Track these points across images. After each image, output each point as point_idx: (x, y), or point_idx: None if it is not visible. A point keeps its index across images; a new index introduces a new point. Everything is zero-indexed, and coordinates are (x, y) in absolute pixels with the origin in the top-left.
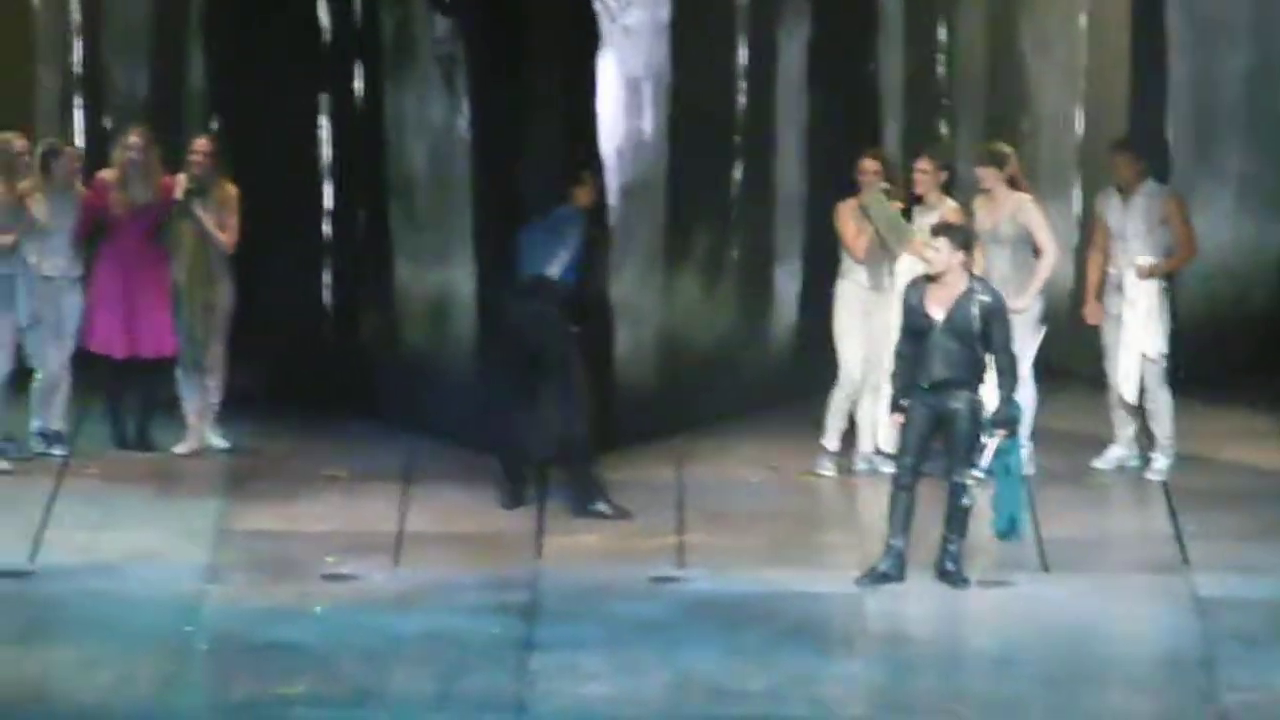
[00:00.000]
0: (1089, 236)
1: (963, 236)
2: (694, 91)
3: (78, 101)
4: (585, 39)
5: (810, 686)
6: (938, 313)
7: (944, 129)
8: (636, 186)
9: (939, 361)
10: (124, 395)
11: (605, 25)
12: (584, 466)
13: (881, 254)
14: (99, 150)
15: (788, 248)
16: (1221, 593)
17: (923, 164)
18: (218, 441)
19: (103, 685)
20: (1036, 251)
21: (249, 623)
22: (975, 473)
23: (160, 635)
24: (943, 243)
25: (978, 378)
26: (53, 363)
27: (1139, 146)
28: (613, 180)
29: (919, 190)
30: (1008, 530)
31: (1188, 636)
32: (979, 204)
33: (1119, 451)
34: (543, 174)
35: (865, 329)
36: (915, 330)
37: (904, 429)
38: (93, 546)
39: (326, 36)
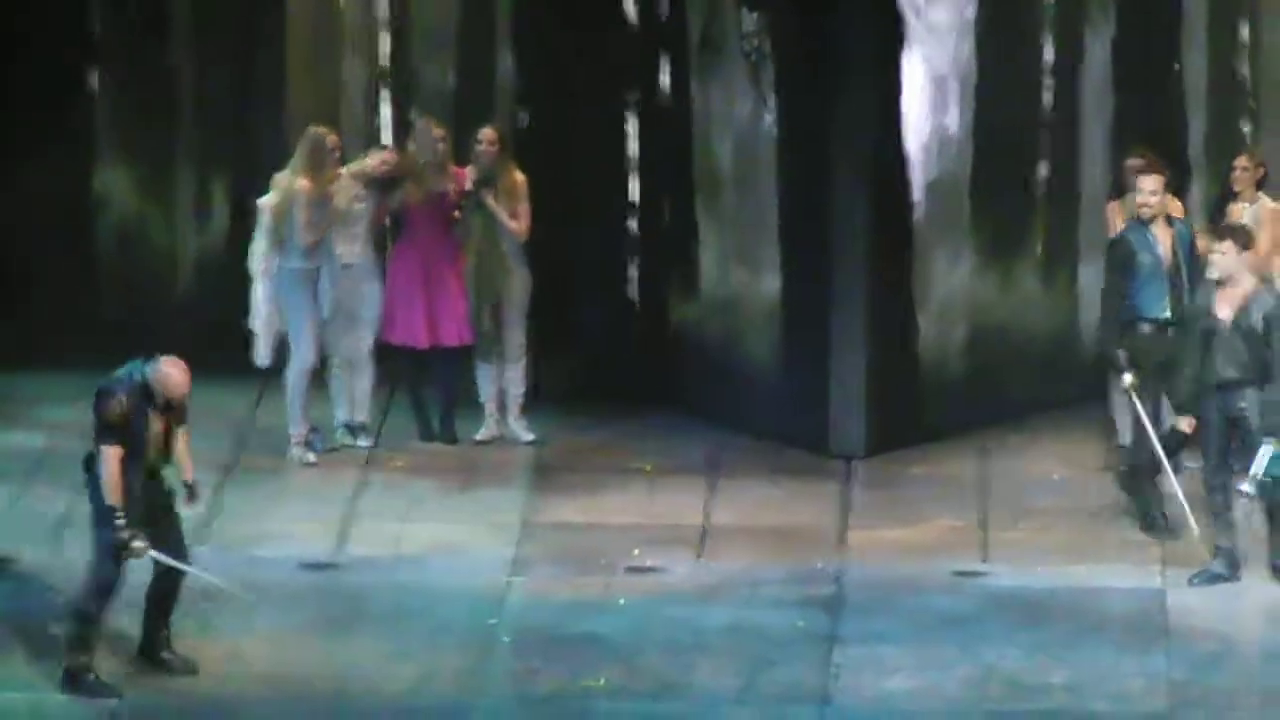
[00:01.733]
0: None
1: (1246, 237)
2: (999, 89)
3: (384, 96)
4: (891, 36)
5: (1112, 682)
6: (1225, 313)
7: (1247, 129)
8: (942, 183)
9: (1229, 362)
10: (426, 386)
11: (911, 22)
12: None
13: None
14: (404, 144)
15: (1092, 245)
16: None
17: (1242, 161)
18: (523, 434)
19: (408, 678)
20: None
21: (553, 615)
22: (1246, 486)
23: (464, 628)
24: (1228, 245)
25: (1266, 379)
26: (351, 351)
27: None
28: (918, 177)
29: (1236, 187)
30: None
31: None
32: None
33: None
34: (849, 172)
35: None
36: (1204, 331)
37: (1202, 433)
38: (398, 539)
39: (633, 30)
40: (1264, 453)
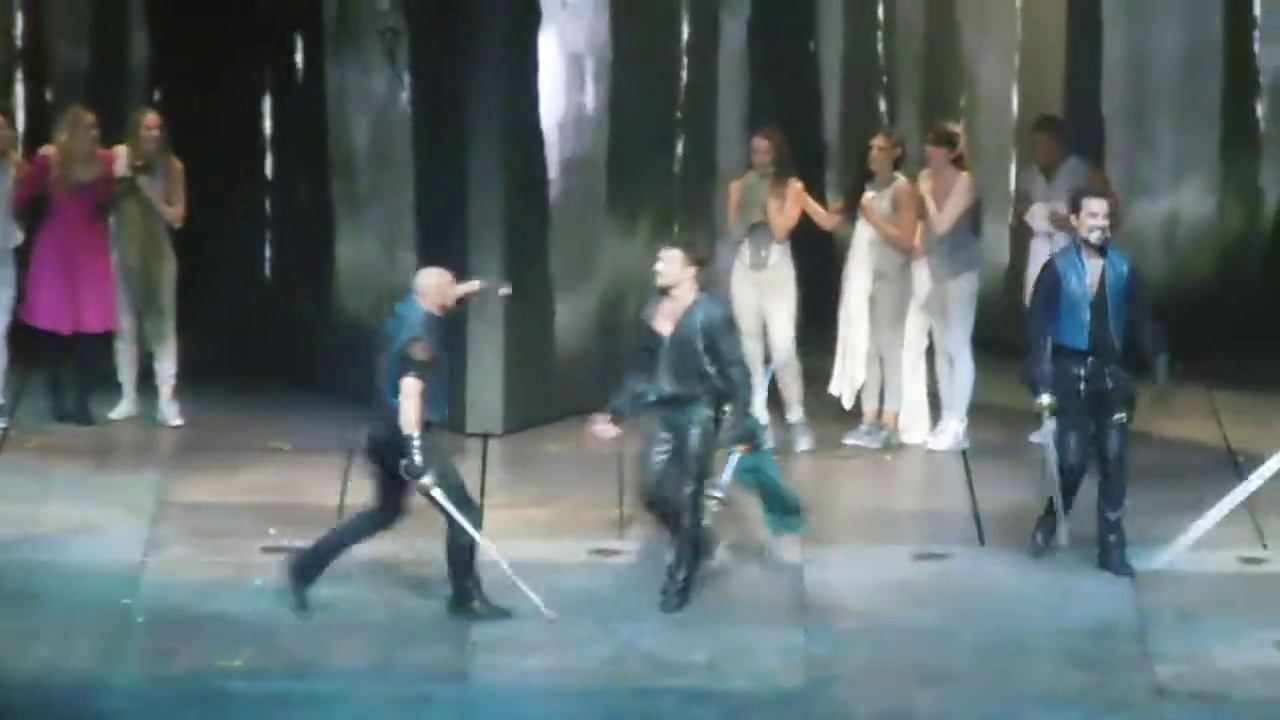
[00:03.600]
0: (1017, 215)
1: (697, 252)
2: (635, 68)
3: (19, 76)
4: (527, 14)
5: (751, 659)
6: (665, 327)
7: (883, 107)
8: (578, 161)
9: (666, 376)
10: (63, 368)
11: (546, 1)
12: None
13: (763, 232)
14: (40, 126)
15: (727, 223)
16: (1157, 565)
17: (879, 141)
18: (173, 418)
19: (41, 657)
20: (977, 229)
21: (189, 595)
22: (715, 492)
23: (99, 608)
24: (674, 254)
25: (709, 393)
26: None
27: (1069, 124)
28: (554, 155)
29: (873, 166)
30: (785, 529)
31: (1122, 608)
32: (922, 181)
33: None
34: (485, 150)
35: (757, 307)
36: (645, 345)
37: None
38: (32, 519)
39: (268, 9)
40: (731, 462)
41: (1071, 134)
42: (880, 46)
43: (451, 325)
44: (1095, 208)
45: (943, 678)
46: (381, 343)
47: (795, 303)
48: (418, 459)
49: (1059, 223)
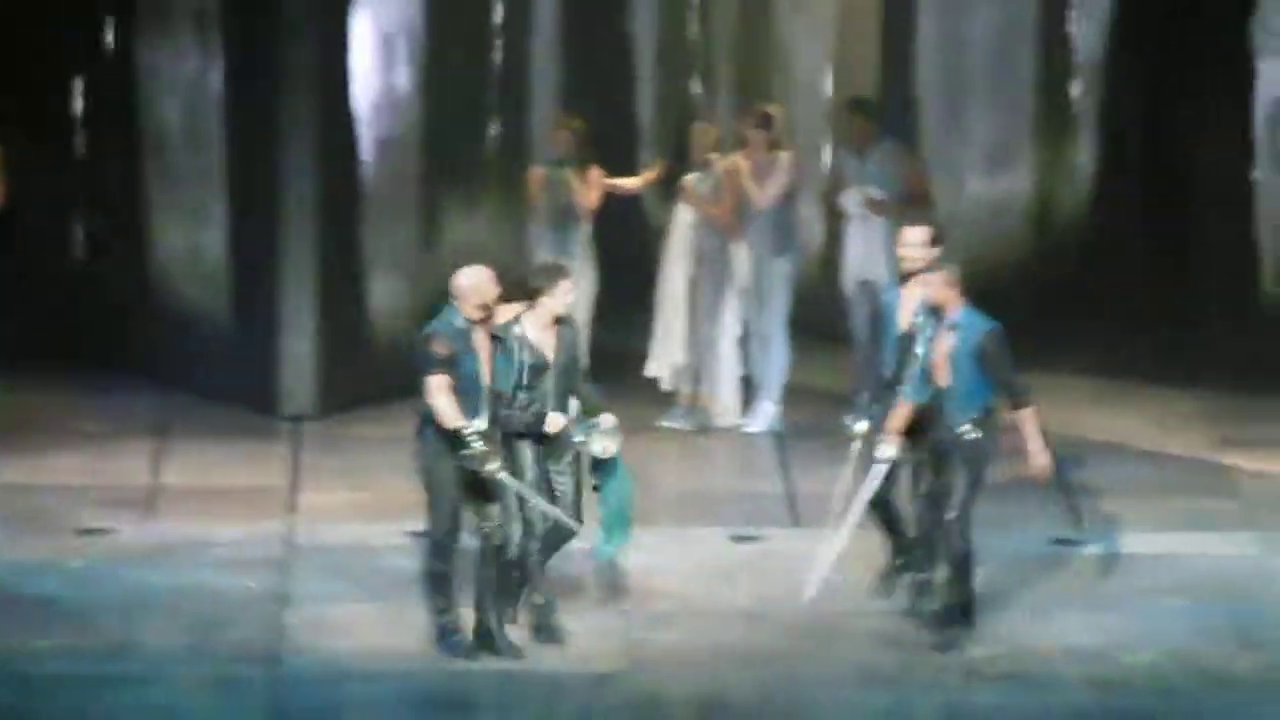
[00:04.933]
0: (831, 198)
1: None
2: (448, 48)
3: None
4: None
5: (570, 642)
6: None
7: (697, 89)
8: (391, 142)
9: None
10: None
11: None
12: None
13: (568, 219)
14: None
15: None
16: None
17: (697, 124)
18: None
19: None
20: (795, 210)
21: (2, 577)
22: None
23: None
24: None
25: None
26: None
27: (883, 106)
28: (367, 135)
29: (692, 149)
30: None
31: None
32: (740, 163)
33: None
34: (297, 131)
35: None
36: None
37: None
38: None
39: None
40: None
41: (885, 116)
42: (695, 28)
43: (264, 308)
44: (906, 238)
45: (758, 659)
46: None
47: (595, 290)
48: (478, 447)
49: (872, 207)
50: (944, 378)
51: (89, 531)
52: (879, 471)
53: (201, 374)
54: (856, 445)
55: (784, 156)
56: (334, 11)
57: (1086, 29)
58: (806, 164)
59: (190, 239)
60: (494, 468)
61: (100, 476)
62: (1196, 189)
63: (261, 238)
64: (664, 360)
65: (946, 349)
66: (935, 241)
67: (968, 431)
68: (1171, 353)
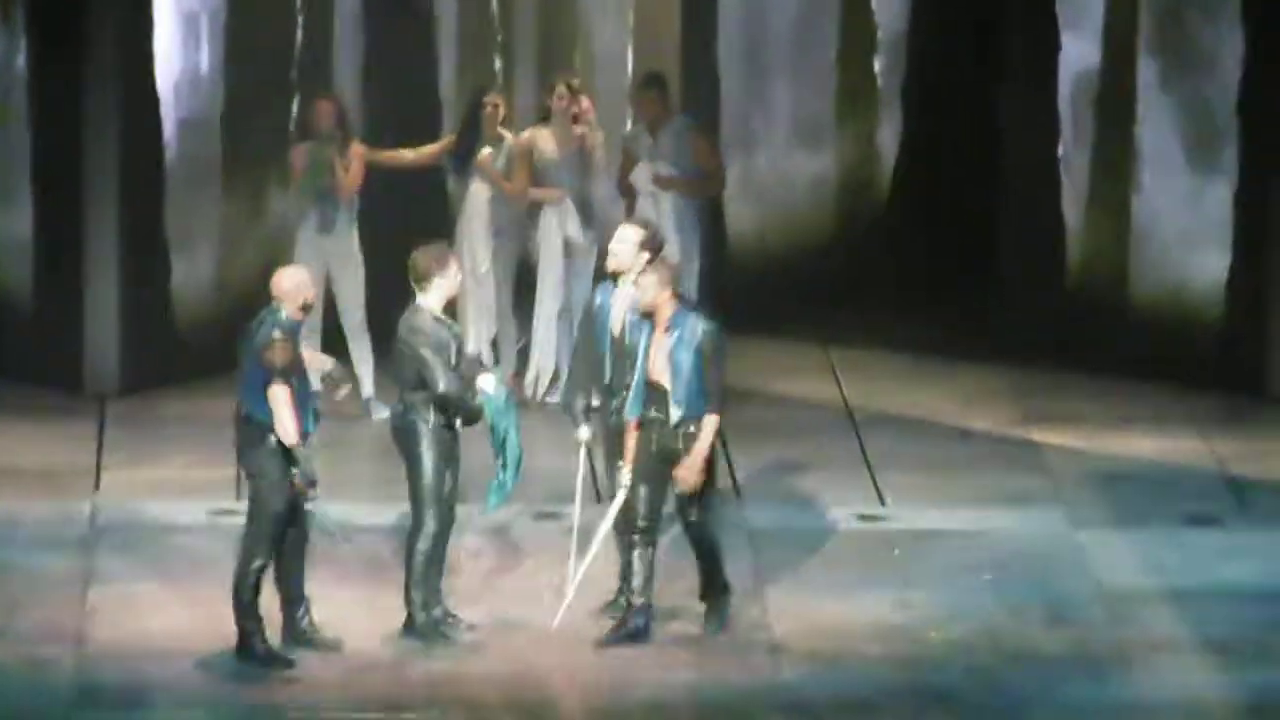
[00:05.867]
0: (623, 174)
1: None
2: (250, 26)
3: None
4: None
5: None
6: None
7: (497, 65)
8: (194, 121)
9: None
10: None
11: None
12: None
13: (330, 196)
14: None
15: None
16: (771, 524)
17: (491, 98)
18: None
19: None
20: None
21: None
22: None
23: None
24: None
25: None
26: None
27: (685, 82)
28: (170, 115)
29: (487, 125)
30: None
31: (739, 565)
32: (543, 135)
33: None
34: (100, 111)
35: (324, 274)
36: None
37: None
38: None
39: None
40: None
41: (686, 92)
42: (495, 3)
43: (67, 285)
44: (617, 234)
45: (567, 639)
46: (241, 352)
47: (362, 269)
48: (310, 467)
49: (662, 184)
50: (664, 379)
51: None
52: (620, 499)
53: (5, 352)
54: (583, 452)
55: (587, 134)
56: None
57: (889, 4)
58: (606, 141)
59: None
60: (315, 493)
61: None
62: (1002, 165)
63: (65, 216)
64: (478, 337)
65: (665, 350)
66: (648, 245)
67: (689, 431)
68: (976, 330)
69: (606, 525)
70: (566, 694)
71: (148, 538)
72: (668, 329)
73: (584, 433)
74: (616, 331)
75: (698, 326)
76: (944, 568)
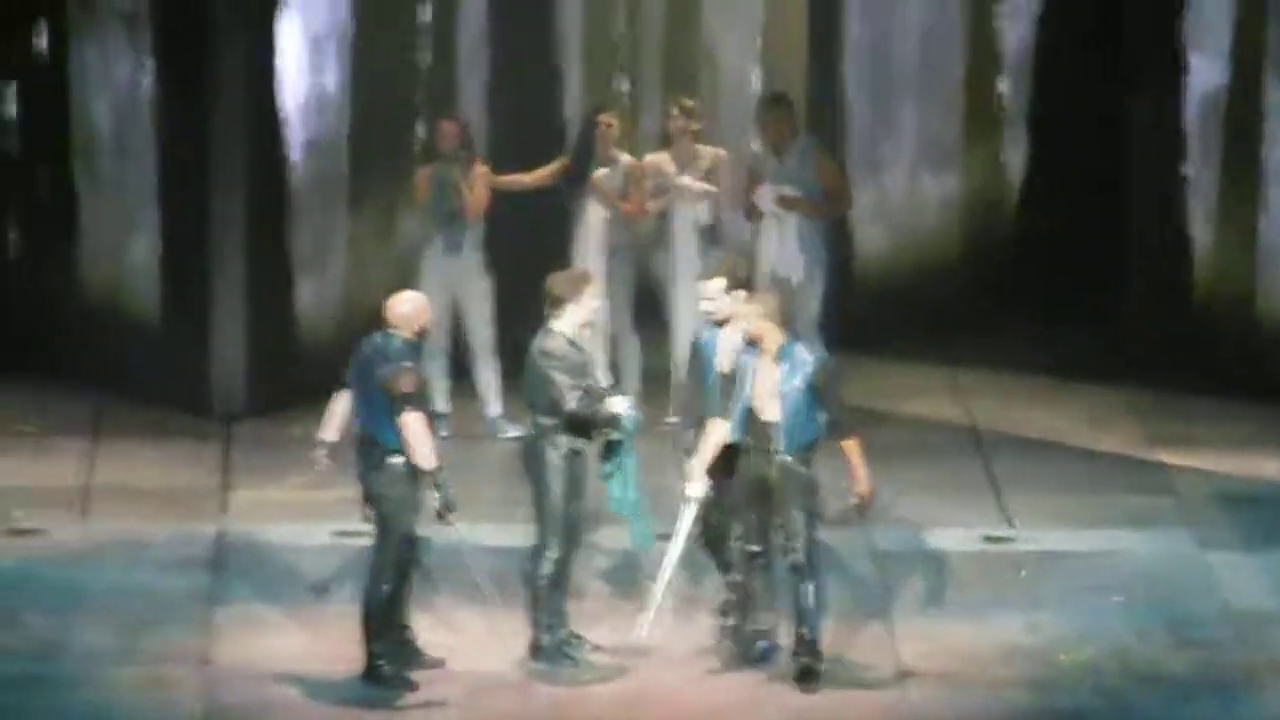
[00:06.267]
0: (747, 195)
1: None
2: (377, 48)
3: None
4: None
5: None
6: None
7: (625, 87)
8: (320, 143)
9: None
10: None
11: None
12: None
13: (457, 218)
14: None
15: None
16: (899, 547)
17: (605, 118)
18: None
19: None
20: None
21: None
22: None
23: None
24: None
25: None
26: None
27: (811, 104)
28: (296, 137)
29: (601, 145)
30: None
31: (868, 588)
32: (664, 158)
33: None
34: (226, 133)
35: (450, 296)
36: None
37: None
38: None
39: None
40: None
41: (812, 113)
42: (621, 26)
43: (194, 308)
44: (703, 291)
45: (691, 661)
46: (353, 379)
47: (491, 289)
48: (449, 493)
49: (786, 204)
50: (772, 412)
51: (20, 532)
52: (690, 511)
53: (133, 375)
54: (691, 508)
55: (708, 152)
56: (262, 13)
57: (1015, 26)
58: (732, 161)
59: (123, 241)
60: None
61: (33, 477)
62: (1128, 185)
63: (192, 239)
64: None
65: (773, 383)
66: (735, 285)
67: (796, 466)
68: (1103, 350)
69: (677, 546)
70: (691, 717)
71: (274, 559)
72: (776, 360)
73: (696, 489)
74: (725, 368)
75: (807, 357)
76: (1071, 589)
